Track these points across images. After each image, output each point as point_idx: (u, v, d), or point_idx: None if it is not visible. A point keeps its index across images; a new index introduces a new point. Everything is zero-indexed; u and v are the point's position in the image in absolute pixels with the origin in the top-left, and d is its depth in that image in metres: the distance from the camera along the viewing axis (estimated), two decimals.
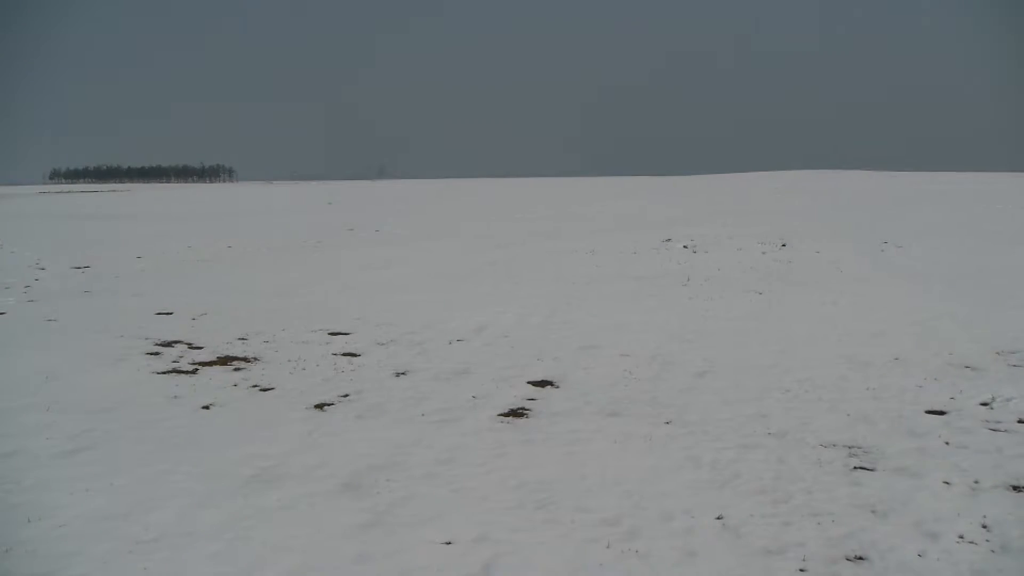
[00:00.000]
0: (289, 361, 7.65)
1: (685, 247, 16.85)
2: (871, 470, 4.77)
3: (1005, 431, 5.41)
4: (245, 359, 7.77)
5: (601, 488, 4.54)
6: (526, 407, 6.15)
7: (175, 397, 6.48)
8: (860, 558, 3.73)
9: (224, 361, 7.70)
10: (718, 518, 4.15)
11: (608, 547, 3.86)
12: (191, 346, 8.33)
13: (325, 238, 21.53)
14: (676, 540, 3.91)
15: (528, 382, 6.85)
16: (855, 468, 4.80)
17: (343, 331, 9.02)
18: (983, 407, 5.94)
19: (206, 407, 6.23)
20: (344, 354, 7.94)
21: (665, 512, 4.22)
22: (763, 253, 15.64)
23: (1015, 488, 4.47)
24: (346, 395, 6.52)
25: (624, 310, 10.04)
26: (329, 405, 6.26)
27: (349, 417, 5.95)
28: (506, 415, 5.96)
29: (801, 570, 3.63)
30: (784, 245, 16.77)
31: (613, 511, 4.23)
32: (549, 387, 6.70)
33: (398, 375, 7.13)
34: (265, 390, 6.70)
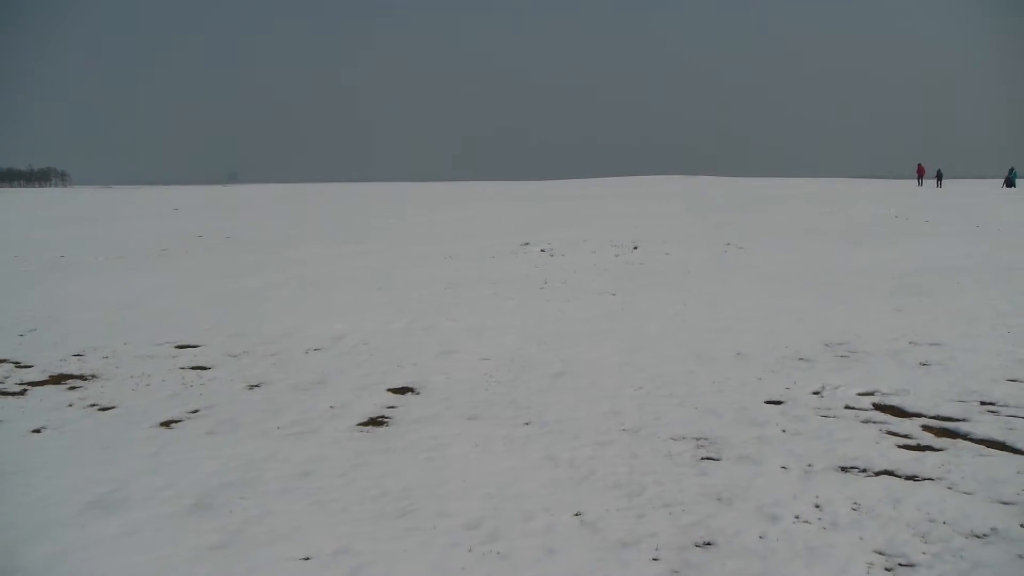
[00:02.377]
0: (131, 377, 7.21)
1: (542, 251, 17.19)
2: (717, 460, 5.03)
3: (834, 417, 5.86)
4: (81, 377, 7.25)
5: (462, 492, 4.55)
6: (386, 415, 6.08)
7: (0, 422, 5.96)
8: (708, 543, 3.93)
9: (57, 380, 7.15)
10: (576, 515, 4.26)
11: (470, 551, 3.88)
12: (18, 365, 7.69)
13: (171, 246, 20.42)
14: (536, 539, 3.98)
15: (388, 389, 6.78)
16: (702, 459, 5.05)
17: (191, 343, 8.59)
18: (815, 396, 6.41)
19: (36, 431, 5.77)
20: (193, 367, 7.56)
21: (525, 512, 4.29)
22: (616, 256, 16.19)
23: (843, 469, 4.85)
24: (195, 411, 6.21)
25: (483, 314, 10.12)
26: (177, 422, 5.94)
27: (199, 434, 5.67)
28: (366, 424, 5.87)
29: (654, 559, 3.78)
30: (636, 248, 17.43)
31: (474, 514, 4.25)
32: (409, 393, 6.65)
33: (252, 387, 6.87)
34: (104, 409, 6.28)
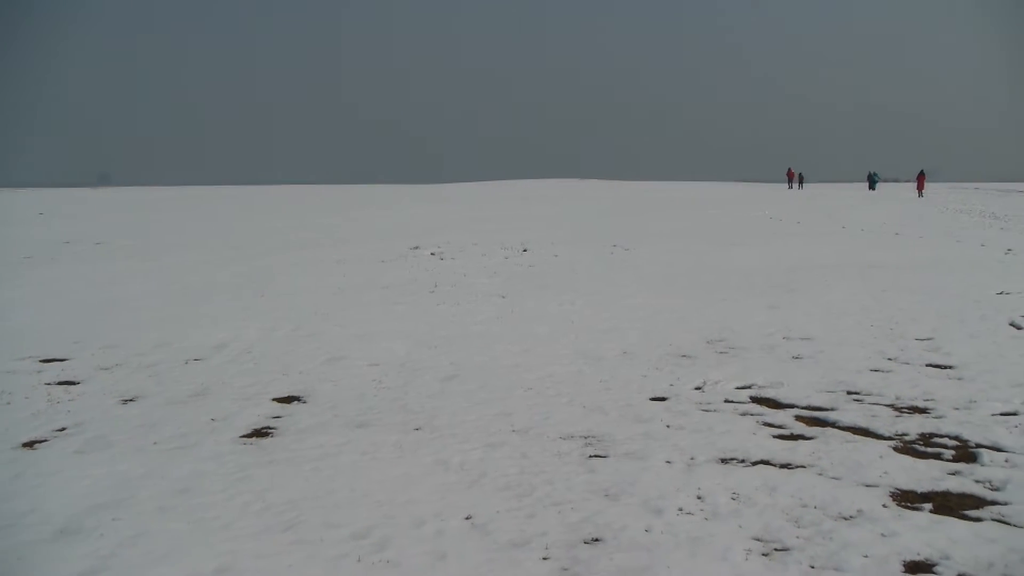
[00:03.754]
0: None
1: (432, 254, 17.12)
2: (604, 457, 5.14)
3: (715, 411, 6.09)
4: None
5: (350, 502, 4.46)
6: (271, 426, 5.89)
7: None
8: (596, 540, 4.00)
9: None
10: (467, 518, 4.25)
11: (359, 561, 3.80)
12: None
13: (35, 253, 19.14)
14: (426, 545, 3.94)
15: (273, 399, 6.57)
16: (590, 456, 5.15)
17: (58, 357, 8.07)
18: (696, 391, 6.64)
19: None
20: (60, 383, 7.11)
21: (416, 518, 4.25)
22: (506, 258, 16.31)
23: (723, 461, 5.05)
24: (62, 429, 5.83)
25: (372, 319, 9.98)
26: (42, 442, 5.56)
27: (67, 453, 5.33)
28: (249, 436, 5.67)
29: (544, 558, 3.82)
30: (526, 250, 17.61)
31: (363, 524, 4.18)
32: (296, 403, 6.48)
33: (126, 402, 6.51)
34: None
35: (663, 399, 6.41)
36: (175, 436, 5.65)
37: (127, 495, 4.61)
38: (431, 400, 6.46)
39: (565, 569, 3.72)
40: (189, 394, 6.72)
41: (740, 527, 4.10)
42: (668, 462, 5.02)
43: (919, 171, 46.58)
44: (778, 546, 3.91)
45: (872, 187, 56.46)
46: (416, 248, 18.17)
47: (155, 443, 5.51)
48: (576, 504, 4.40)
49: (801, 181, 57.72)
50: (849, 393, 6.51)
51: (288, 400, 6.54)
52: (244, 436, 5.65)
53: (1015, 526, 4.10)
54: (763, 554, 3.83)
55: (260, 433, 5.73)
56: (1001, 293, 11.21)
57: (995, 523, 4.14)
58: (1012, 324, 9.13)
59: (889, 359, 7.60)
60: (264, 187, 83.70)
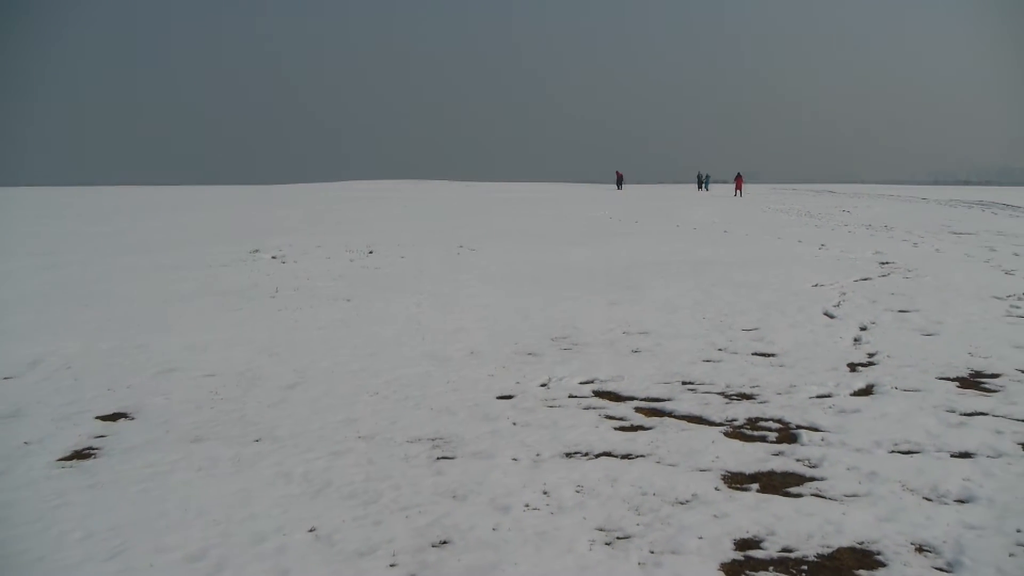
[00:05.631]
0: None
1: (274, 257, 16.52)
2: (452, 458, 5.12)
3: (560, 406, 6.21)
4: None
5: (183, 523, 4.19)
6: (94, 446, 5.45)
7: None
8: (444, 542, 3.97)
9: None
10: (311, 530, 4.10)
11: None
12: None
13: None
14: (267, 562, 3.77)
15: (97, 417, 6.08)
16: (438, 458, 5.11)
17: None
18: (542, 387, 6.76)
19: None
20: None
21: (256, 534, 4.05)
22: (351, 261, 16.00)
23: (567, 455, 5.16)
24: None
25: (208, 327, 9.48)
26: None
27: None
28: (69, 458, 5.21)
29: (392, 565, 3.75)
30: (371, 252, 17.35)
31: (198, 545, 3.94)
32: (122, 420, 6.03)
33: None
34: None
35: (510, 397, 6.48)
36: None
37: None
38: (272, 409, 6.21)
39: (413, 574, 3.67)
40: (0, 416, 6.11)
41: (584, 519, 4.20)
42: (515, 459, 5.07)
43: (736, 173, 52.12)
44: (620, 534, 4.03)
45: (703, 187, 60.91)
46: (256, 251, 17.46)
47: None
48: (424, 507, 4.35)
49: (619, 181, 63.81)
50: (684, 383, 6.84)
51: (114, 417, 6.08)
52: (63, 459, 5.20)
53: (830, 499, 4.44)
54: (606, 543, 3.94)
55: (81, 455, 5.28)
56: (816, 285, 12.19)
57: (814, 498, 4.47)
58: (826, 313, 9.93)
59: (720, 349, 8.06)
60: (73, 188, 77.69)
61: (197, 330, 9.31)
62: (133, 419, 6.03)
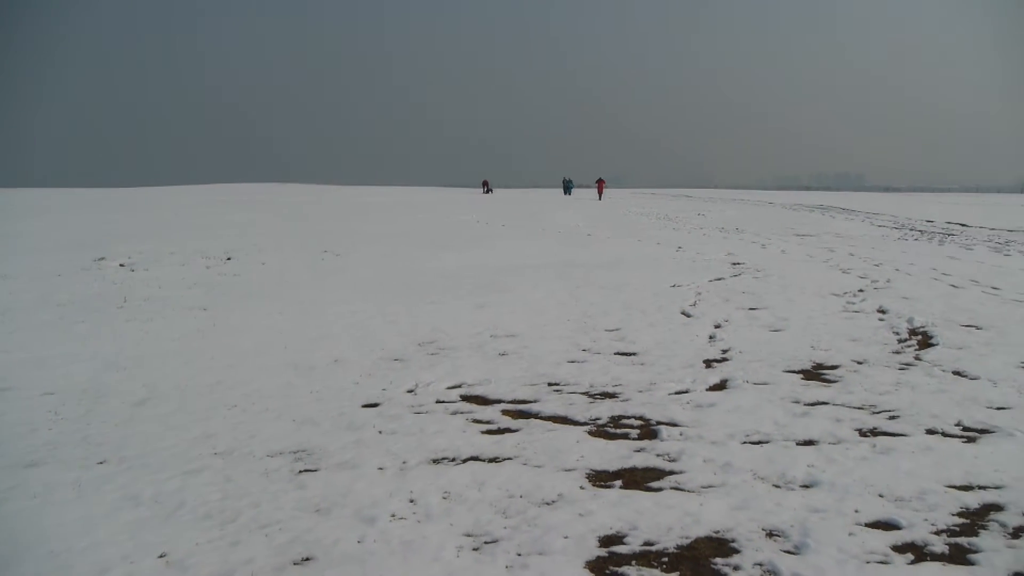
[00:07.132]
0: None
1: (122, 265, 15.54)
2: (315, 471, 4.96)
3: (427, 412, 6.15)
4: None
5: (15, 557, 3.83)
6: None
7: None
8: (307, 559, 3.83)
9: None
10: (161, 556, 3.85)
11: None
12: None
13: None
14: None
15: None
16: (301, 472, 4.94)
17: None
18: (409, 394, 6.67)
19: None
20: None
21: (99, 565, 3.76)
22: (208, 268, 15.28)
23: (434, 461, 5.11)
24: None
25: (47, 342, 8.78)
26: None
27: None
28: None
29: None
30: (230, 259, 16.64)
31: None
32: None
33: None
34: None
35: (376, 405, 6.35)
36: None
37: None
38: (119, 429, 5.81)
39: None
40: None
41: (451, 525, 4.16)
42: (381, 468, 4.97)
43: (598, 178, 54.73)
44: (488, 539, 4.02)
45: (567, 192, 62.56)
46: (102, 259, 16.36)
47: None
48: (285, 524, 4.18)
49: (485, 185, 67.80)
50: (550, 384, 6.93)
51: None
52: None
53: (688, 491, 4.61)
54: (474, 548, 3.92)
55: None
56: (674, 286, 12.69)
57: (673, 491, 4.62)
58: (683, 313, 10.35)
59: (584, 350, 8.23)
60: None
61: (34, 345, 8.61)
62: None
